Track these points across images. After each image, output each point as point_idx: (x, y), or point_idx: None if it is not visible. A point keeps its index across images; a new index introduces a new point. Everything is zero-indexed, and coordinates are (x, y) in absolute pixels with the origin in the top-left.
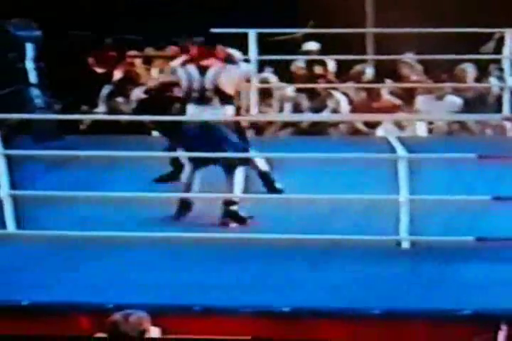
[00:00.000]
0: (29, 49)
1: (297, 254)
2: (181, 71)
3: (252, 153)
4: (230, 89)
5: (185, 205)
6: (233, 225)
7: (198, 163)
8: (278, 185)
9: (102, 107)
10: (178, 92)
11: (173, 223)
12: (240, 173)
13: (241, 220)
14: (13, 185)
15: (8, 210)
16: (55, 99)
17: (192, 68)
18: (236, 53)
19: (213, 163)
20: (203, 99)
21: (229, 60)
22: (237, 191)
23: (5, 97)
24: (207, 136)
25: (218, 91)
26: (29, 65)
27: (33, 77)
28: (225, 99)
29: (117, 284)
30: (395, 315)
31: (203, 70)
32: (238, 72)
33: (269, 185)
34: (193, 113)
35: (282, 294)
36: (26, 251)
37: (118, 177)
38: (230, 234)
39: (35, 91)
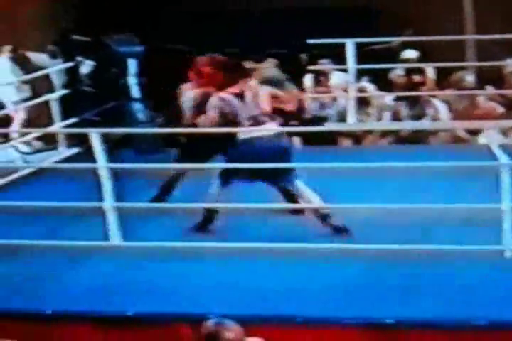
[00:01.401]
0: (131, 64)
1: (397, 265)
2: (223, 103)
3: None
4: (268, 107)
5: (209, 218)
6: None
7: (246, 178)
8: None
9: None
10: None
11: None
12: (301, 183)
13: (345, 229)
14: (117, 198)
15: (113, 222)
16: (157, 112)
17: (231, 98)
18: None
19: (271, 178)
20: (254, 122)
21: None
22: (317, 200)
23: (108, 112)
24: (272, 152)
25: (263, 112)
26: (131, 80)
27: (135, 92)
28: (270, 117)
29: (219, 294)
30: (501, 326)
31: (240, 97)
32: (267, 89)
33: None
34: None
35: (385, 305)
36: (130, 263)
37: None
38: (329, 244)
39: (137, 106)
